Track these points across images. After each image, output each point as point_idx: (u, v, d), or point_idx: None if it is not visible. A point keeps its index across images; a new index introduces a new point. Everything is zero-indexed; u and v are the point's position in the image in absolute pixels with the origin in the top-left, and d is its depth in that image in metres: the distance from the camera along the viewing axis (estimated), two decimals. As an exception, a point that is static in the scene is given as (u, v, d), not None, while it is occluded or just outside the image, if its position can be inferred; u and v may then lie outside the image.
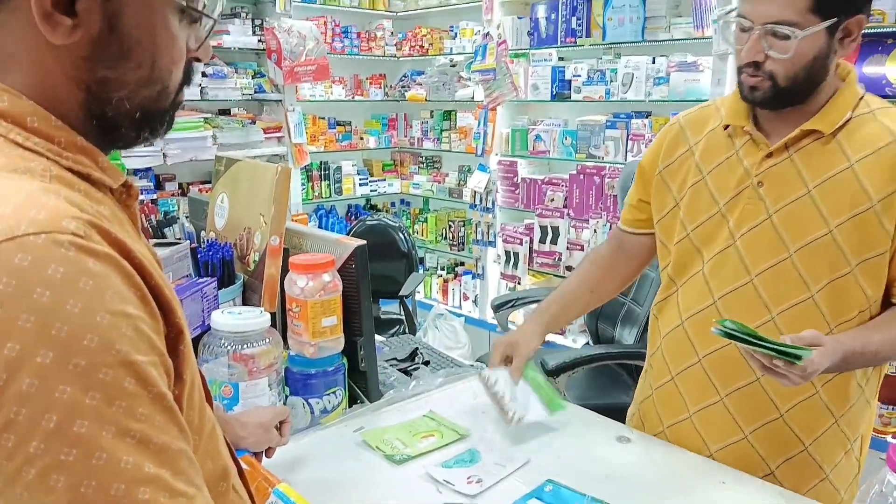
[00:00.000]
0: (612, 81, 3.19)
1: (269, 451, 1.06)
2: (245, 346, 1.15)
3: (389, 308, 3.36)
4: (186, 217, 1.77)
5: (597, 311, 2.55)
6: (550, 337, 3.46)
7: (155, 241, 1.49)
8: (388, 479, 1.11)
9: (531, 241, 3.55)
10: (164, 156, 3.19)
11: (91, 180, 0.56)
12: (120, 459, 0.45)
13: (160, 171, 3.39)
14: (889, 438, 2.39)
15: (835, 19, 1.04)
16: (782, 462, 1.18)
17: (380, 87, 4.47)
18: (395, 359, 1.59)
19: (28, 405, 0.43)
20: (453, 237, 4.21)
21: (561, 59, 3.50)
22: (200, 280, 1.31)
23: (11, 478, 0.43)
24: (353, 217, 4.45)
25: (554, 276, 3.53)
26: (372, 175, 4.49)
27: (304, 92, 3.95)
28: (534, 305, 3.30)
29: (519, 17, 3.59)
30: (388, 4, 4.45)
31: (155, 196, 3.33)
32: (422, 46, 4.34)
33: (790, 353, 0.96)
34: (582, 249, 3.33)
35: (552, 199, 3.48)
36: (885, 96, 2.34)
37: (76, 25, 0.53)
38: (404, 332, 3.01)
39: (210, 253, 1.37)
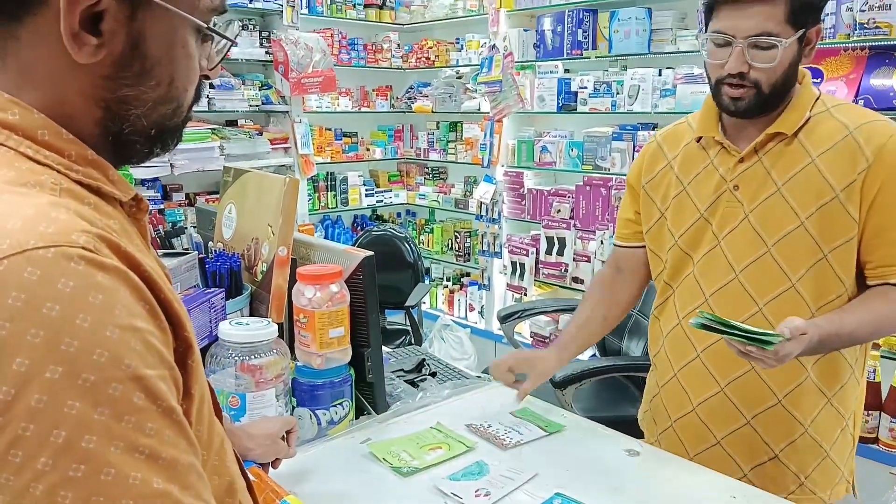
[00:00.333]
0: (618, 93, 3.20)
1: (275, 463, 1.05)
2: (252, 356, 1.15)
3: (395, 318, 3.36)
4: (194, 227, 1.78)
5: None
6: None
7: (163, 251, 1.50)
8: (396, 491, 1.10)
9: (537, 252, 3.55)
10: (172, 166, 3.21)
11: (101, 193, 0.56)
12: (128, 475, 0.45)
13: (167, 181, 3.40)
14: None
15: (804, 29, 1.15)
16: (786, 445, 1.25)
17: (386, 99, 4.49)
18: (401, 370, 1.59)
19: (36, 421, 0.43)
20: (459, 248, 4.21)
21: (567, 71, 3.51)
22: (208, 290, 1.31)
23: (19, 494, 0.43)
24: (359, 227, 4.46)
25: (560, 287, 3.52)
26: (378, 186, 4.50)
27: (311, 103, 3.97)
28: (540, 317, 3.32)
29: (525, 30, 3.60)
30: (395, 17, 4.48)
31: (162, 206, 3.34)
32: (428, 58, 4.36)
33: (762, 339, 1.03)
34: (588, 260, 3.32)
35: (558, 211, 3.48)
36: (892, 108, 2.34)
37: (101, 45, 0.54)
38: (410, 343, 3.00)
39: (218, 263, 1.37)
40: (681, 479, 1.16)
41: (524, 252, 3.58)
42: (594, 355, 3.05)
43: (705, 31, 1.22)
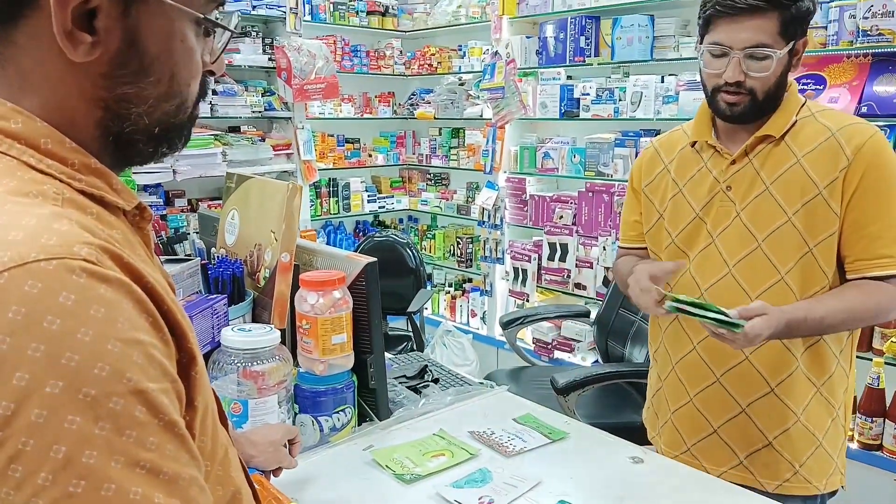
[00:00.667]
0: (620, 100, 3.20)
1: (276, 472, 1.05)
2: (255, 363, 1.15)
3: (397, 324, 3.36)
4: (197, 233, 1.78)
5: (607, 328, 2.54)
6: (559, 355, 3.44)
7: (165, 257, 1.50)
8: (399, 499, 1.10)
9: (539, 259, 3.54)
10: (174, 172, 3.21)
11: (104, 203, 0.56)
12: (129, 490, 0.44)
13: (169, 187, 3.40)
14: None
15: (794, 41, 1.24)
16: (780, 433, 1.31)
17: (388, 105, 4.49)
18: (404, 376, 1.58)
19: (37, 436, 0.43)
20: (461, 254, 4.21)
21: (569, 77, 3.52)
22: (210, 297, 1.31)
23: None
24: (361, 233, 4.46)
25: (562, 293, 3.52)
26: (380, 192, 4.50)
27: (314, 110, 3.97)
28: (542, 323, 3.31)
29: (527, 37, 3.61)
30: (398, 24, 4.49)
31: (164, 212, 3.34)
32: (430, 65, 4.37)
33: (730, 322, 1.13)
34: (590, 267, 3.32)
35: (561, 217, 3.48)
36: (895, 115, 2.34)
37: (96, 42, 0.53)
38: (412, 349, 3.00)
39: (220, 269, 1.37)
40: (685, 487, 1.15)
41: (526, 258, 3.58)
42: (597, 361, 3.04)
43: (702, 43, 1.30)
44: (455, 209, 4.23)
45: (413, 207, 4.55)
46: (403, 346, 3.05)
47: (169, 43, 0.57)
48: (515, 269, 3.65)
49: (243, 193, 1.50)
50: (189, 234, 2.51)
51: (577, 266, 3.38)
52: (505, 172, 3.73)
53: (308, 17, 3.94)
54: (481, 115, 3.95)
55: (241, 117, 3.56)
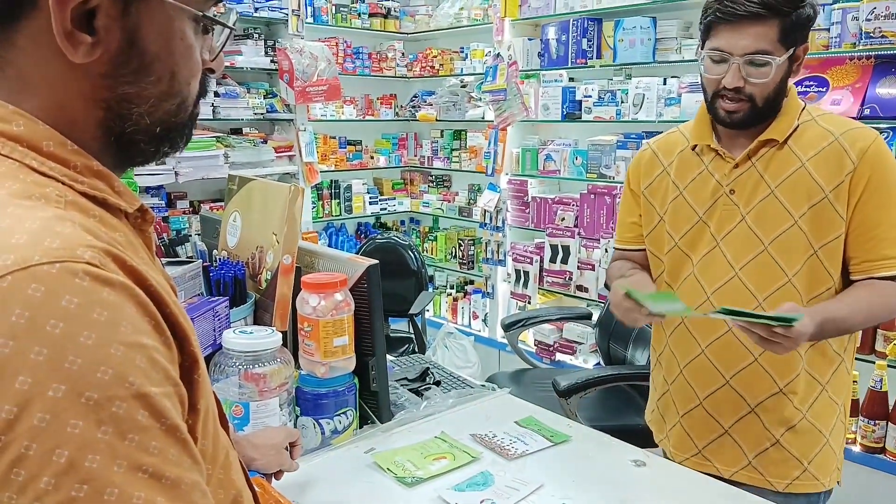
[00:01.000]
0: (622, 102, 3.20)
1: (277, 475, 1.04)
2: (256, 365, 1.15)
3: (399, 326, 3.35)
4: (198, 235, 1.78)
5: (609, 331, 2.54)
6: (561, 357, 3.44)
7: (167, 259, 1.50)
8: (400, 501, 1.10)
9: (541, 261, 3.54)
10: (176, 174, 3.21)
11: (106, 205, 0.56)
12: (132, 494, 0.44)
13: (171, 188, 3.40)
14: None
15: (794, 48, 1.25)
16: (786, 430, 1.33)
17: (390, 108, 4.49)
18: (405, 379, 1.58)
19: (39, 440, 0.43)
20: (463, 256, 4.21)
21: (571, 79, 3.51)
22: (212, 299, 1.31)
23: None
24: (362, 235, 4.46)
25: (564, 295, 3.51)
26: (382, 194, 4.50)
27: (316, 112, 3.97)
28: (544, 325, 3.31)
29: (529, 39, 3.61)
30: (400, 26, 4.49)
31: (166, 214, 3.34)
32: (432, 67, 4.37)
33: (785, 318, 1.11)
34: (592, 269, 3.31)
35: (563, 219, 3.48)
36: (898, 117, 2.34)
37: (96, 43, 0.53)
38: (414, 351, 3.00)
39: (222, 271, 1.37)
40: (688, 490, 1.15)
41: (528, 260, 3.58)
42: (598, 364, 3.04)
43: (703, 48, 1.31)
44: (457, 211, 4.23)
45: (415, 209, 4.55)
46: (405, 348, 3.05)
47: (169, 41, 0.57)
48: (517, 271, 3.64)
49: (245, 195, 1.50)
50: (191, 236, 2.52)
51: (578, 268, 3.38)
52: (507, 174, 3.73)
53: (310, 20, 3.94)
54: (483, 118, 3.95)
55: (243, 119, 3.56)
